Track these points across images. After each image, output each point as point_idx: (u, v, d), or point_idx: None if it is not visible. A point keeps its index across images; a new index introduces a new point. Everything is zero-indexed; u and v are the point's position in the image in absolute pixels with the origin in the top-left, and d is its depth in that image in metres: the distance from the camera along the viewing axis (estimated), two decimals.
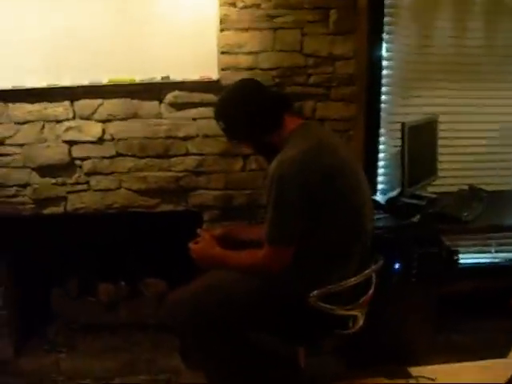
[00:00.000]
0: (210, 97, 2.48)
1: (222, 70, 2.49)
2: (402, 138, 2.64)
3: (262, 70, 2.47)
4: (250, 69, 2.46)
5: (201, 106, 2.52)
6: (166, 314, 2.09)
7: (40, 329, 2.97)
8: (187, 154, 2.58)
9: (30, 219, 2.63)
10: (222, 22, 2.44)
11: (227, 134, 2.06)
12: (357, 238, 1.86)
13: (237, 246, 2.00)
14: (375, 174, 2.96)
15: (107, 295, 2.96)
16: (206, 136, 2.55)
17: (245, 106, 1.92)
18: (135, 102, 2.50)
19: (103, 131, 2.53)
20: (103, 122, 2.52)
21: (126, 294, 2.97)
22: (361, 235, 1.87)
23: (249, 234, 2.24)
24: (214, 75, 2.50)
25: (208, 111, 2.46)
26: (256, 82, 2.05)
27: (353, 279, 1.88)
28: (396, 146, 2.80)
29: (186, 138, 2.55)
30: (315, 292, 1.79)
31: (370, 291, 2.01)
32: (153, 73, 2.48)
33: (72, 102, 2.50)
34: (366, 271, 1.95)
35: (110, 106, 2.50)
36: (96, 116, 2.51)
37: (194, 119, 2.54)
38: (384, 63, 2.79)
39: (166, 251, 2.62)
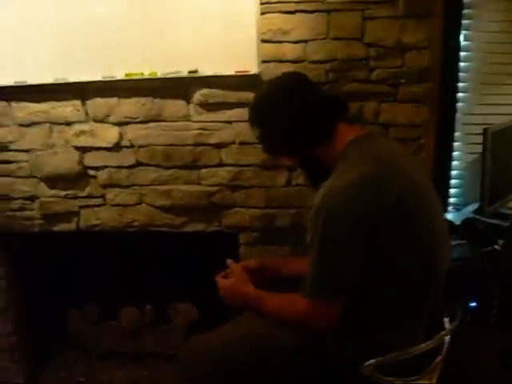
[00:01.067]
0: (249, 95, 2.01)
1: (263, 62, 2.01)
2: (484, 145, 2.19)
3: (311, 62, 2.01)
4: (297, 61, 2.01)
5: (237, 107, 2.06)
6: (186, 363, 1.66)
7: (56, 354, 2.68)
8: (221, 164, 2.13)
9: (40, 234, 2.28)
10: (262, 2, 1.95)
11: (262, 143, 1.61)
12: (428, 289, 1.42)
13: (276, 283, 1.68)
14: (447, 186, 2.48)
15: (130, 320, 2.61)
16: (244, 143, 2.09)
17: (285, 109, 1.48)
18: (157, 101, 2.06)
19: (120, 136, 2.12)
20: (120, 125, 2.11)
21: (152, 319, 2.62)
22: (433, 285, 1.43)
23: (292, 267, 1.81)
24: (253, 69, 2.02)
25: (246, 113, 1.97)
26: (302, 77, 1.58)
27: (422, 345, 1.41)
28: (473, 153, 2.42)
29: (219, 146, 2.10)
30: (372, 361, 1.37)
31: (443, 352, 1.53)
32: (178, 66, 2.01)
33: (83, 100, 2.09)
34: (440, 334, 1.47)
35: (128, 106, 2.08)
36: (112, 118, 2.11)
37: (229, 122, 2.08)
38: (462, 54, 2.32)
39: (197, 274, 2.22)
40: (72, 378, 2.54)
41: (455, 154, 2.45)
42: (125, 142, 2.12)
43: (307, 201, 2.13)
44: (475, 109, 2.41)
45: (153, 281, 2.55)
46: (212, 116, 2.08)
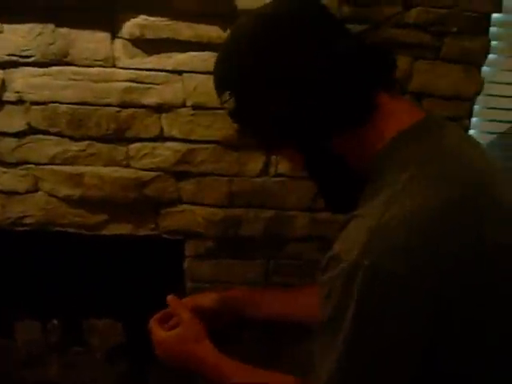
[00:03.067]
0: (214, 31, 1.24)
1: None
2: None
3: None
4: None
5: (193, 49, 1.28)
6: None
7: None
8: (161, 138, 1.34)
9: None
10: None
11: (240, 120, 0.88)
12: None
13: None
14: None
15: (28, 339, 1.81)
16: (200, 107, 1.31)
17: (291, 62, 0.77)
18: (63, 31, 1.24)
19: (2, 85, 1.29)
20: (2, 67, 1.29)
21: (59, 339, 1.84)
22: None
23: (277, 304, 1.19)
24: None
25: (207, 59, 1.20)
26: (317, 5, 0.84)
27: None
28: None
29: (159, 109, 1.32)
30: None
31: None
32: None
33: None
34: None
35: (15, 36, 1.25)
36: None
37: (179, 73, 1.30)
38: None
39: (125, 281, 1.63)
40: None
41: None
42: (9, 95, 1.30)
43: (291, 200, 1.39)
44: None
45: (62, 288, 1.78)
46: (151, 61, 1.28)
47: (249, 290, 1.24)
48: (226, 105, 0.83)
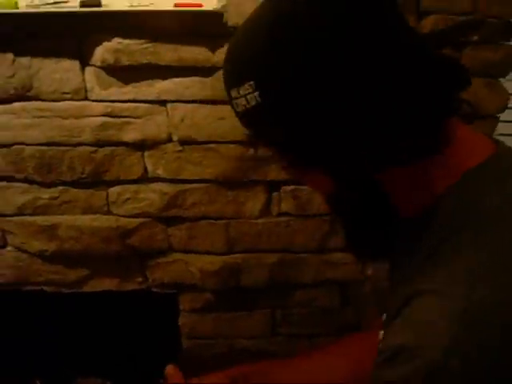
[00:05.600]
0: (202, 53, 1.04)
1: None
2: None
3: None
4: None
5: (178, 75, 1.07)
6: None
7: None
8: (145, 178, 1.10)
9: None
10: None
11: (259, 122, 0.56)
12: None
13: None
14: None
15: None
16: (189, 142, 1.08)
17: (345, 61, 0.49)
18: (25, 60, 1.03)
19: None
20: None
21: None
22: None
23: (291, 373, 0.89)
24: (211, 1, 1.02)
25: (192, 87, 1.00)
26: None
27: None
28: None
29: (141, 146, 1.09)
30: None
31: None
32: None
33: None
34: None
35: None
36: None
37: (162, 103, 1.08)
38: None
39: (117, 336, 1.40)
40: None
41: None
42: None
43: (297, 241, 1.17)
44: None
45: (48, 347, 1.55)
46: (129, 91, 1.07)
47: (256, 365, 1.00)
48: (241, 100, 0.56)
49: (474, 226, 0.48)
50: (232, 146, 1.09)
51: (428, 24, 1.09)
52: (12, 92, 1.05)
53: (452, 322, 0.43)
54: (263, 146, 0.62)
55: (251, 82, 0.53)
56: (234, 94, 0.56)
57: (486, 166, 0.51)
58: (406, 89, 0.49)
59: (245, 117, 0.57)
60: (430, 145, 0.51)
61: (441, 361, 0.43)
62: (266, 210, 1.17)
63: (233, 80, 0.56)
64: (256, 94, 0.53)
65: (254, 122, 0.57)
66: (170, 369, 0.86)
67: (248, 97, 0.54)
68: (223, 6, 1.00)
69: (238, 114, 0.57)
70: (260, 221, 1.17)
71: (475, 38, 1.11)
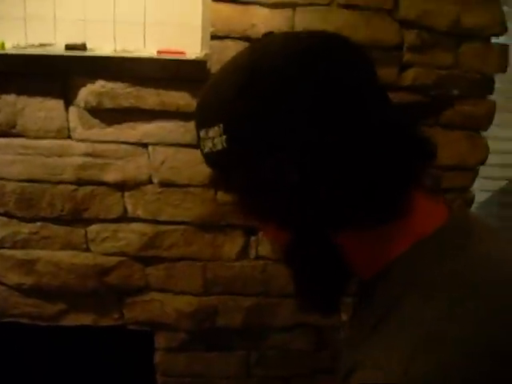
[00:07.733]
0: (182, 98, 1.04)
1: (214, 38, 1.02)
2: None
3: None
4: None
5: (159, 118, 1.07)
6: None
7: None
8: (124, 218, 1.10)
9: None
10: None
11: (223, 167, 0.56)
12: None
13: None
14: None
15: None
16: (169, 184, 1.06)
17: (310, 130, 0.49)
18: (10, 98, 1.04)
19: None
20: None
21: None
22: None
23: None
24: (193, 49, 1.05)
25: (174, 131, 0.99)
26: (351, 48, 0.53)
27: None
28: None
29: (122, 186, 1.07)
30: None
31: None
32: (50, 35, 0.97)
33: None
34: None
35: None
36: None
37: (144, 145, 1.06)
38: None
39: (88, 375, 1.33)
40: None
41: None
42: None
43: (274, 285, 1.15)
44: None
45: (19, 377, 1.51)
46: (111, 132, 1.06)
47: None
48: (208, 142, 0.55)
49: (419, 296, 0.47)
50: (211, 190, 1.09)
51: (409, 76, 1.08)
52: None
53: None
54: (223, 190, 0.62)
55: (220, 125, 0.53)
56: (202, 134, 0.55)
57: (434, 237, 0.50)
58: (368, 159, 0.48)
59: (210, 158, 0.56)
60: (386, 212, 0.50)
61: None
62: (243, 253, 1.16)
63: (203, 121, 0.56)
64: (223, 138, 0.53)
65: (217, 165, 0.57)
66: None
67: (215, 140, 0.54)
68: (206, 55, 1.00)
69: (203, 154, 0.56)
70: (237, 264, 1.16)
71: (456, 92, 1.10)
